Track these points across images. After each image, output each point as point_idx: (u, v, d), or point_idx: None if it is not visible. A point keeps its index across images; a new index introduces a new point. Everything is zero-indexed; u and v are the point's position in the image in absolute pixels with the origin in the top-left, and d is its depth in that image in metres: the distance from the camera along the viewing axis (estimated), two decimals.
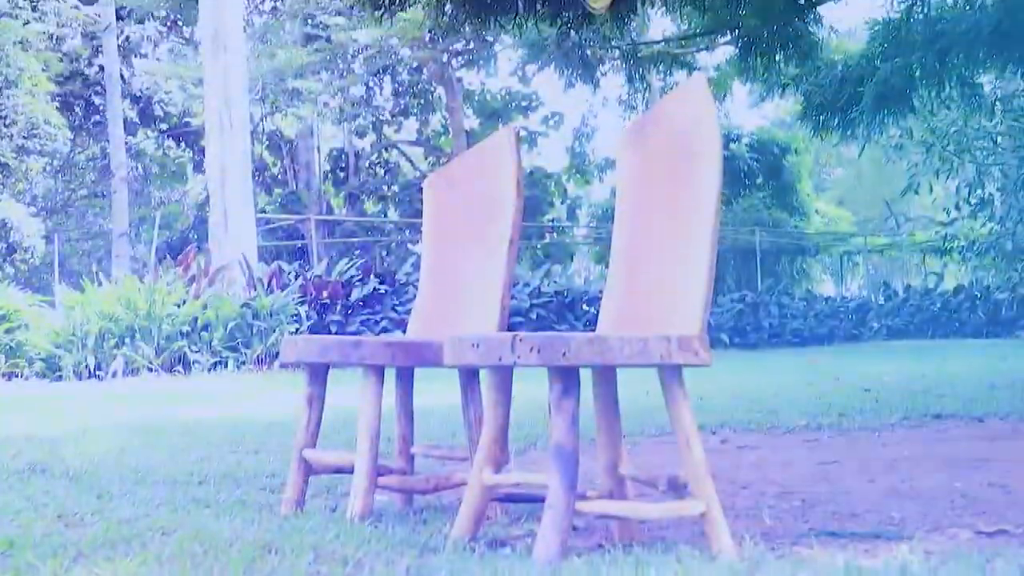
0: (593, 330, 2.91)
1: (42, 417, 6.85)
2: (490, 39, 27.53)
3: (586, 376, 2.57)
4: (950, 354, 14.47)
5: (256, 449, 4.92)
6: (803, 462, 4.34)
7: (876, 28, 7.57)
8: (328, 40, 26.91)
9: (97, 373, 11.68)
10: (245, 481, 3.86)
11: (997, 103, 10.53)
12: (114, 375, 11.54)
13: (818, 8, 7.06)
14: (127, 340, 11.91)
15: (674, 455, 2.69)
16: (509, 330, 5.58)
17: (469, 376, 3.18)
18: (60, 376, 11.62)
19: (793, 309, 20.99)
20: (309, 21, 28.05)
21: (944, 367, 11.20)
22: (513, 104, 33.33)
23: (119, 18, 26.40)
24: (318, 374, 3.23)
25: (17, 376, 11.59)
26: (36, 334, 11.98)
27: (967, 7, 6.95)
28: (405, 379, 3.34)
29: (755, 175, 26.96)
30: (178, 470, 4.10)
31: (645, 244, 2.83)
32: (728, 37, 7.85)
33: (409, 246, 28.07)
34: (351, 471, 3.08)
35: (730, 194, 25.92)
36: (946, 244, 12.81)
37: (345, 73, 28.51)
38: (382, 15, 6.18)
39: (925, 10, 7.04)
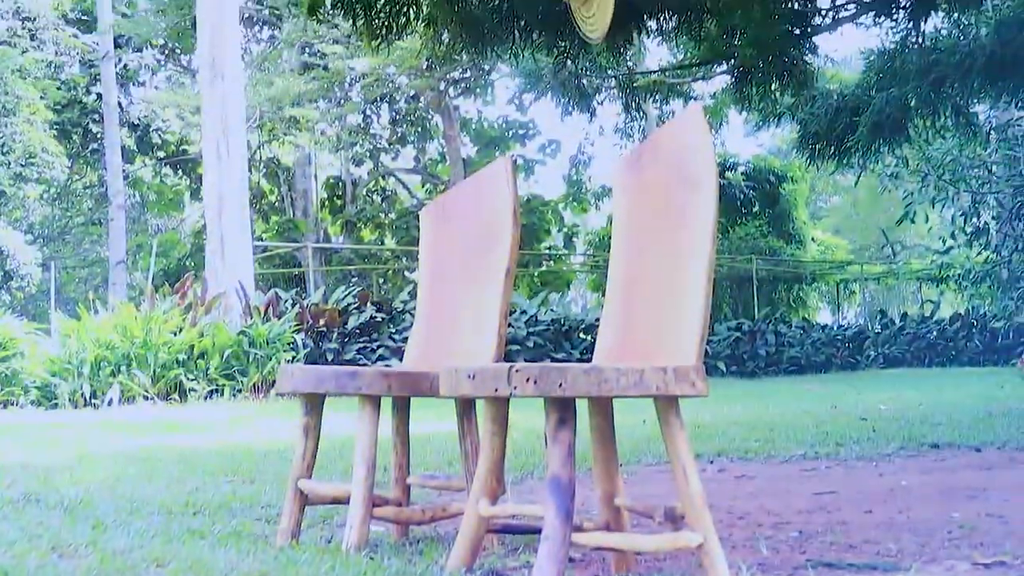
0: (590, 358, 2.91)
1: (37, 446, 6.83)
2: (487, 68, 27.66)
3: (582, 405, 2.56)
4: (947, 382, 14.46)
5: (252, 478, 4.90)
6: (800, 492, 4.33)
7: (871, 58, 7.61)
8: (325, 68, 27.01)
9: (93, 401, 11.65)
10: (240, 511, 3.85)
11: (992, 132, 10.56)
12: (110, 403, 11.50)
13: (813, 38, 7.09)
14: (123, 368, 11.89)
15: (671, 484, 2.68)
16: (506, 358, 5.57)
17: (466, 406, 3.18)
18: (56, 404, 11.59)
19: (790, 337, 20.98)
20: (307, 50, 28.16)
21: (941, 395, 11.19)
22: (510, 132, 33.44)
23: (117, 46, 26.49)
24: (314, 404, 3.22)
25: (12, 404, 11.55)
26: (32, 362, 11.95)
27: (961, 38, 6.99)
28: (402, 409, 3.33)
29: (751, 203, 27.02)
30: (173, 500, 4.09)
31: (642, 274, 2.84)
32: (724, 67, 7.88)
33: (406, 274, 28.09)
34: (347, 502, 3.07)
35: (727, 222, 25.96)
36: (942, 272, 12.83)
37: (342, 101, 28.61)
38: (379, 44, 6.20)
39: (920, 40, 7.07)
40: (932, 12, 6.84)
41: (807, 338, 21.20)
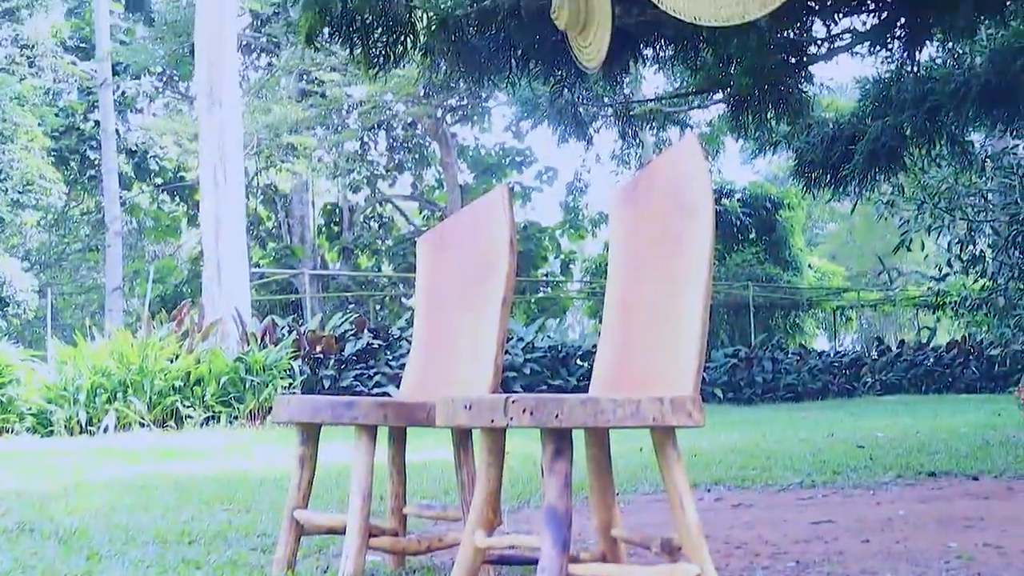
0: (587, 385, 2.92)
1: (32, 473, 6.81)
2: (484, 96, 27.76)
3: (579, 434, 2.56)
4: (944, 410, 14.45)
5: (248, 507, 4.88)
6: (797, 521, 4.32)
7: (866, 87, 7.64)
8: (323, 96, 27.09)
9: (89, 428, 11.61)
10: (236, 541, 3.83)
11: (987, 161, 10.58)
12: (105, 430, 11.47)
13: (809, 67, 7.12)
14: (119, 395, 11.86)
15: (668, 514, 2.68)
16: (503, 386, 5.57)
17: (462, 435, 3.17)
18: (51, 431, 11.56)
19: (787, 364, 20.96)
20: (304, 77, 28.24)
21: (938, 423, 11.18)
22: (507, 159, 33.53)
23: (115, 73, 26.59)
24: (310, 434, 3.22)
25: (8, 431, 11.52)
26: (28, 389, 11.92)
27: (956, 67, 7.03)
28: (398, 438, 3.33)
29: (748, 230, 27.06)
30: (169, 529, 4.07)
31: (638, 302, 2.84)
32: (720, 95, 7.91)
33: (403, 300, 28.08)
34: (343, 531, 3.06)
35: (723, 249, 25.99)
36: (939, 299, 12.83)
37: (340, 128, 28.67)
38: (376, 72, 6.23)
39: (915, 69, 7.11)
40: (927, 42, 6.88)
41: (804, 365, 21.18)
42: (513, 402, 2.30)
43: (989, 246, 11.36)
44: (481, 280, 3.27)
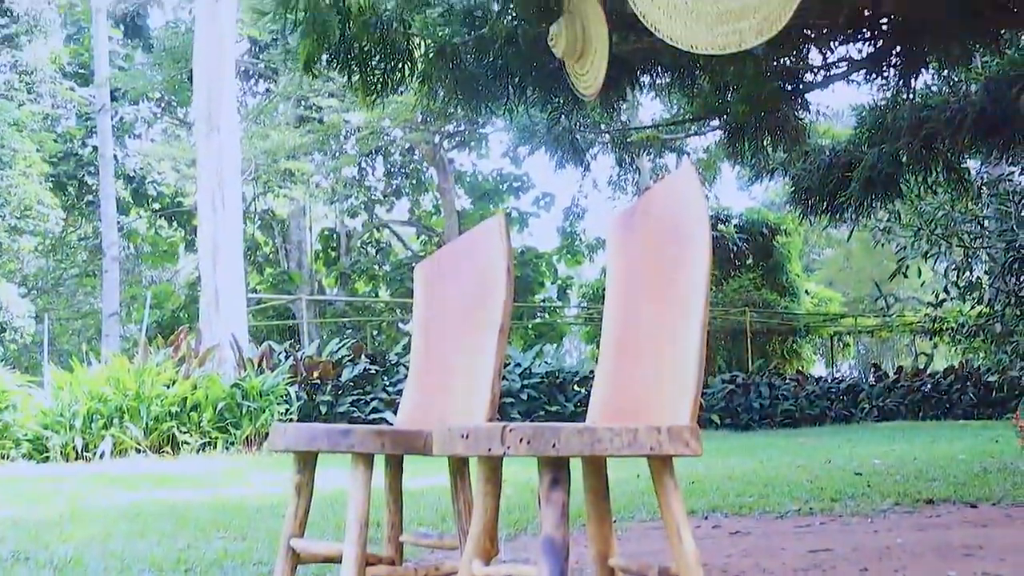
0: (585, 411, 2.92)
1: (28, 501, 6.78)
2: (481, 122, 27.85)
3: (576, 462, 2.56)
4: (941, 436, 14.43)
5: (244, 535, 4.87)
6: (795, 549, 4.31)
7: (863, 114, 7.67)
8: (321, 121, 27.17)
9: (85, 454, 11.58)
10: (232, 570, 3.82)
11: (983, 187, 10.61)
12: (102, 456, 11.44)
13: (805, 95, 7.15)
14: (115, 421, 11.84)
15: (666, 542, 2.67)
16: (500, 411, 5.57)
17: (459, 463, 3.17)
18: (47, 457, 11.52)
19: (784, 390, 20.94)
20: (302, 103, 28.33)
21: (935, 450, 11.16)
22: (504, 185, 33.60)
23: (113, 99, 26.66)
24: (306, 463, 3.21)
25: (3, 457, 11.48)
26: (24, 415, 11.89)
27: (952, 95, 7.06)
28: (395, 466, 3.32)
29: (745, 256, 27.09)
30: (165, 557, 4.06)
31: (635, 329, 2.84)
32: (717, 122, 7.94)
33: (400, 326, 28.08)
34: (340, 561, 3.05)
35: (720, 275, 26.01)
36: (936, 326, 12.83)
37: (338, 154, 28.74)
38: (375, 99, 6.25)
39: (911, 97, 7.14)
40: (922, 69, 6.91)
41: (801, 391, 21.16)
42: (510, 431, 2.29)
43: (986, 272, 11.39)
44: (478, 308, 3.27)
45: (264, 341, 17.40)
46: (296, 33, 5.54)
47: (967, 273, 11.13)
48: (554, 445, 2.28)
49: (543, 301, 32.76)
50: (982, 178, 11.00)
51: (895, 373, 23.54)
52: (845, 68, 7.04)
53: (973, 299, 11.16)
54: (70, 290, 31.92)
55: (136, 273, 33.62)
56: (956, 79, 7.53)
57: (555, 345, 22.72)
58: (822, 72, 7.14)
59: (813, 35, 6.52)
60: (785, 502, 5.97)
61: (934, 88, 7.38)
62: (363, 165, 30.65)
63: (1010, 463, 8.65)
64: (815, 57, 7.10)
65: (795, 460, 9.83)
